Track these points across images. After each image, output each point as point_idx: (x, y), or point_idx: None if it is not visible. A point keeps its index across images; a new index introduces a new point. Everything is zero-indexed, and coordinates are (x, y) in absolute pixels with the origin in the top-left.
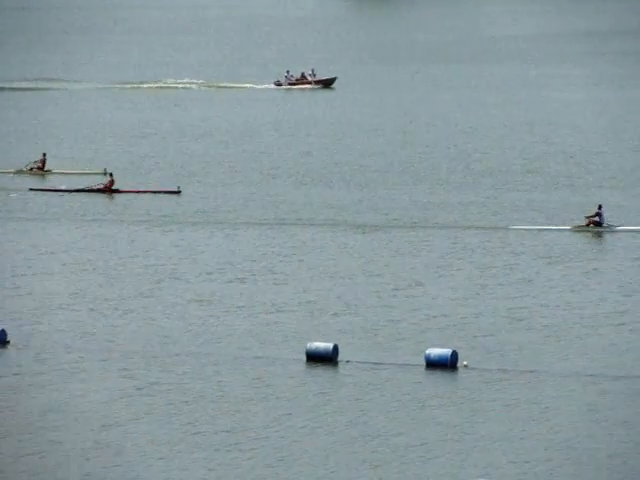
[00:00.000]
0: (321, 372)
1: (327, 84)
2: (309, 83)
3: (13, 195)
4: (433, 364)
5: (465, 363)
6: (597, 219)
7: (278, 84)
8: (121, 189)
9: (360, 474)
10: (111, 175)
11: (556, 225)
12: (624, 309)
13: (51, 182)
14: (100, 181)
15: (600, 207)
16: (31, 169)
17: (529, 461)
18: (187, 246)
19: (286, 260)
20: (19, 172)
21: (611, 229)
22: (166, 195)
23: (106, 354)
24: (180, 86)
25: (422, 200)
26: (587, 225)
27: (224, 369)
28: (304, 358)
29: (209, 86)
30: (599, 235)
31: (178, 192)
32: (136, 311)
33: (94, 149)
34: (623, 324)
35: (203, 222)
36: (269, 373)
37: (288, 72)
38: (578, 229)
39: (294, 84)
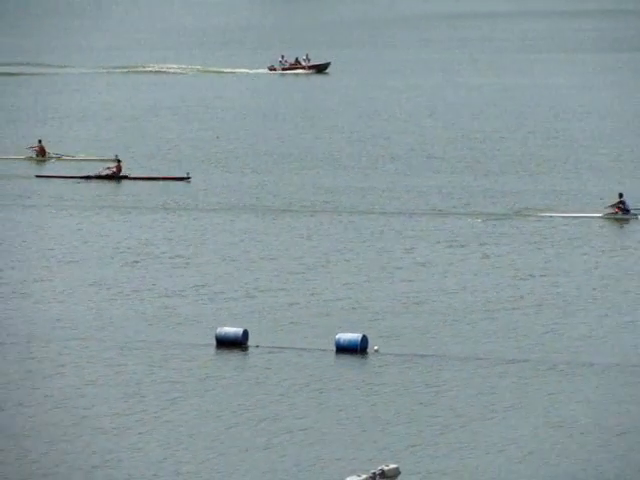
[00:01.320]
0: (231, 357)
1: (321, 69)
2: (303, 68)
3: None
4: (343, 349)
5: (376, 348)
6: (621, 206)
7: (272, 69)
8: (130, 175)
9: (262, 457)
10: (119, 161)
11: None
12: (523, 293)
13: (57, 169)
14: (110, 166)
15: (621, 195)
16: (30, 156)
17: (437, 444)
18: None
19: (187, 244)
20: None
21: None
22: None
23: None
24: (174, 71)
25: (325, 184)
26: (615, 213)
27: (129, 354)
28: (214, 343)
29: (204, 71)
30: (625, 222)
31: (188, 178)
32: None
33: (97, 134)
34: (520, 307)
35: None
36: (178, 358)
37: (282, 57)
38: (607, 216)
39: (288, 69)
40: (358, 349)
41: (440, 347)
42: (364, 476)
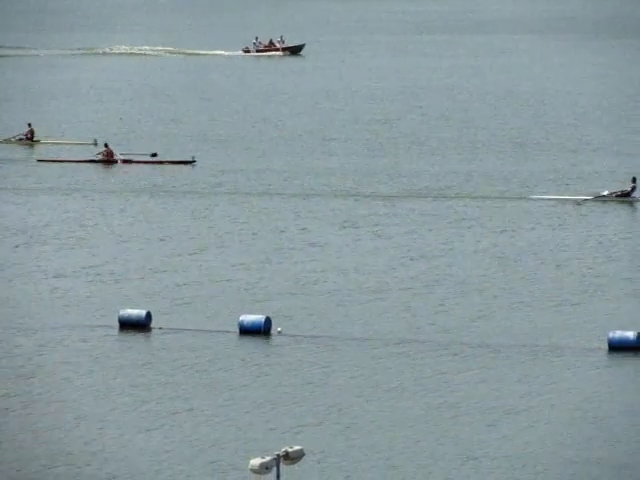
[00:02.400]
0: (134, 339)
1: (295, 51)
2: (277, 50)
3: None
4: (247, 331)
5: (279, 329)
6: (629, 189)
7: (246, 51)
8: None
9: (163, 439)
10: (106, 145)
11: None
12: (416, 273)
13: (58, 153)
14: (92, 151)
15: (634, 180)
16: (20, 139)
17: (339, 424)
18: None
19: (77, 226)
20: (7, 142)
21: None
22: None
23: None
24: (149, 53)
25: (219, 166)
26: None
27: (23, 335)
28: (117, 325)
29: (178, 53)
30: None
31: (193, 162)
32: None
33: (83, 118)
34: (413, 288)
35: None
36: (82, 340)
37: (257, 39)
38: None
39: (262, 51)
40: (262, 331)
41: (340, 328)
42: (268, 458)
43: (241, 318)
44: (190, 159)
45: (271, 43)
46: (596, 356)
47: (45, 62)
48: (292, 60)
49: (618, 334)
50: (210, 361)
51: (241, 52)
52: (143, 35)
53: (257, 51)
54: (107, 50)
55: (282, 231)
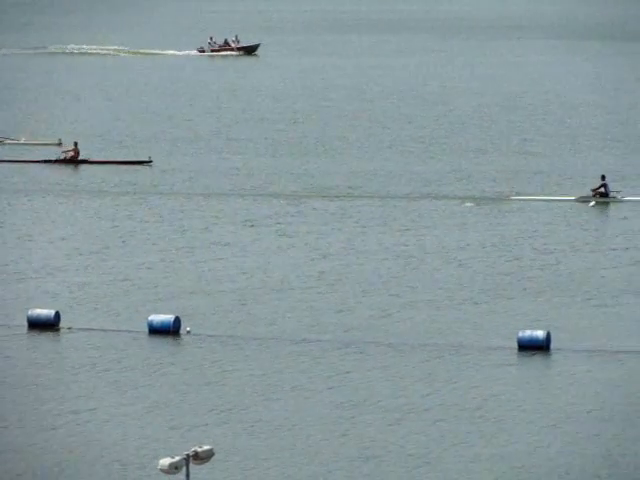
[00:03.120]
0: (43, 339)
1: (250, 51)
2: (232, 50)
3: None
4: (156, 330)
5: (188, 329)
6: (603, 190)
7: (201, 51)
8: (90, 159)
9: (70, 440)
10: (75, 145)
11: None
12: (321, 272)
13: (16, 153)
14: (66, 149)
15: (604, 177)
16: None
17: (248, 423)
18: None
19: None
20: None
21: (616, 199)
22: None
23: None
24: (103, 52)
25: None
26: (593, 196)
27: None
28: (26, 325)
29: (132, 52)
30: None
31: (149, 162)
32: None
33: (45, 117)
34: (318, 286)
35: None
36: None
37: (211, 38)
38: (583, 199)
39: (217, 51)
40: (171, 330)
41: (247, 327)
42: (177, 458)
43: (150, 318)
44: (147, 159)
45: (226, 43)
46: (505, 355)
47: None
48: (247, 60)
49: (528, 333)
50: (119, 361)
51: (196, 52)
52: (97, 34)
53: (212, 51)
54: (59, 50)
55: (188, 230)
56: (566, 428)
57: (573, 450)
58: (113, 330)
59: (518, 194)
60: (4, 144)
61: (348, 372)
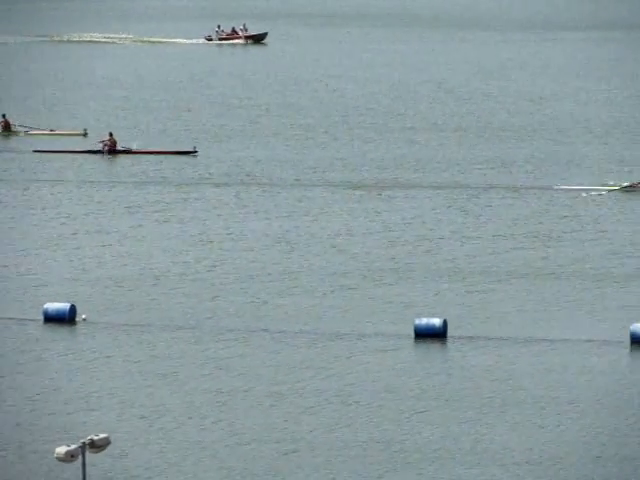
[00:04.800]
0: None
1: (258, 39)
2: (240, 38)
3: None
4: (51, 318)
5: (84, 317)
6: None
7: (209, 39)
8: (138, 149)
9: None
10: (111, 135)
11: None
12: (203, 259)
13: (56, 143)
14: (102, 140)
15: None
16: None
17: (143, 409)
18: None
19: None
20: None
21: None
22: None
23: None
24: (110, 40)
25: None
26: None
27: None
28: None
29: (140, 41)
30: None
31: (195, 152)
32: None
33: (59, 108)
34: (192, 274)
35: None
36: None
37: (219, 27)
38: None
39: (225, 39)
40: (66, 318)
41: (141, 314)
42: (74, 446)
43: (45, 306)
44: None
45: (234, 31)
46: (402, 343)
47: (11, 50)
48: (254, 48)
49: (424, 321)
50: (14, 349)
51: (204, 40)
52: (106, 23)
53: (219, 39)
54: (69, 38)
55: (76, 218)
56: (461, 415)
57: (467, 435)
58: (8, 318)
59: (401, 182)
60: (30, 134)
61: (230, 358)
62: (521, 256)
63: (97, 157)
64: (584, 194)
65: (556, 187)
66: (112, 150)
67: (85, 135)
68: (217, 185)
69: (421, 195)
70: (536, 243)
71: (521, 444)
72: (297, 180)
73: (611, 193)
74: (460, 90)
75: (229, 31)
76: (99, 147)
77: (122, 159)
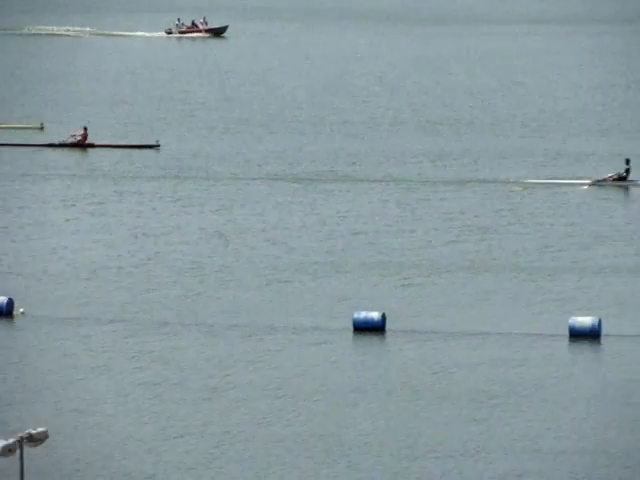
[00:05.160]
0: None
1: (218, 33)
2: (200, 31)
3: None
4: None
5: (22, 310)
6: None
7: (169, 32)
8: (96, 143)
9: None
10: (85, 129)
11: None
12: (139, 252)
13: (21, 137)
14: (74, 134)
15: (628, 162)
16: None
17: (86, 407)
18: None
19: None
20: None
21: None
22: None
23: None
24: (69, 33)
25: None
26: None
27: None
28: None
29: (100, 34)
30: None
31: (157, 146)
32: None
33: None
34: (137, 266)
35: None
36: None
37: (179, 20)
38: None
39: (185, 32)
40: (4, 312)
41: (79, 308)
42: (11, 440)
43: None
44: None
45: (194, 24)
46: (340, 336)
47: None
48: (214, 42)
49: (363, 315)
50: None
51: (163, 33)
52: (66, 16)
53: (180, 32)
54: (29, 31)
55: (12, 211)
56: (398, 408)
57: (403, 428)
58: None
59: (338, 176)
60: None
61: (169, 351)
62: (459, 249)
63: (55, 151)
64: (586, 187)
65: (514, 181)
66: (75, 144)
67: (42, 128)
68: (153, 179)
69: (358, 188)
70: (473, 236)
71: (457, 437)
72: (234, 173)
73: (590, 188)
74: (398, 84)
75: (189, 24)
76: (70, 140)
77: (68, 153)
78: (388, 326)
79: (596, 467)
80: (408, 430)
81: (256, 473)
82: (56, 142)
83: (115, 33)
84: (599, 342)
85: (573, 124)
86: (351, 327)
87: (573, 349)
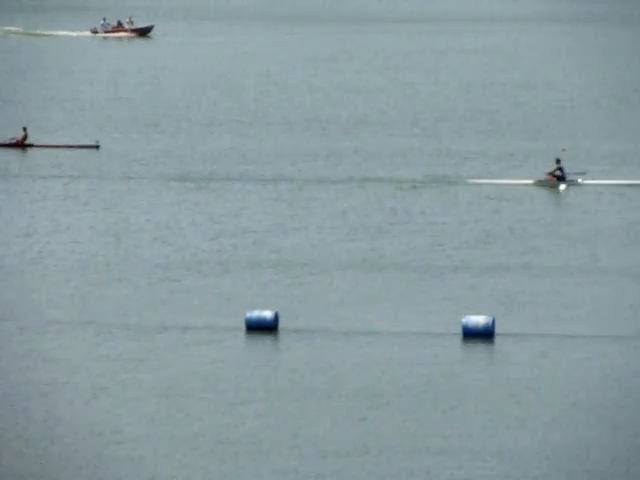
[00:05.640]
0: None
1: (144, 33)
2: (126, 31)
3: None
4: None
5: None
6: (559, 173)
7: (94, 32)
8: (35, 143)
9: None
10: (25, 129)
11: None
12: (25, 251)
13: None
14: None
15: (558, 161)
16: None
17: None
18: None
19: None
20: None
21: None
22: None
23: None
24: None
25: None
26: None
27: None
28: None
29: (25, 34)
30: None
31: (97, 147)
32: None
33: None
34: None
35: None
36: None
37: (105, 20)
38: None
39: (110, 32)
40: None
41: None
42: None
43: None
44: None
45: (119, 24)
46: (232, 336)
47: None
48: (140, 42)
49: (256, 314)
50: None
51: (89, 33)
52: None
53: (105, 32)
54: None
55: None
56: (287, 407)
57: (291, 427)
58: None
59: (228, 175)
60: None
61: (57, 350)
62: (350, 248)
63: None
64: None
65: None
66: (14, 144)
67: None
68: (43, 178)
69: (249, 188)
70: (364, 235)
71: (347, 436)
72: (124, 173)
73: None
74: (288, 83)
75: (115, 24)
76: (7, 141)
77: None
78: (281, 325)
79: (485, 467)
80: (299, 429)
81: (144, 473)
82: None
83: (39, 33)
84: (492, 341)
85: (463, 124)
86: (244, 326)
87: (466, 348)
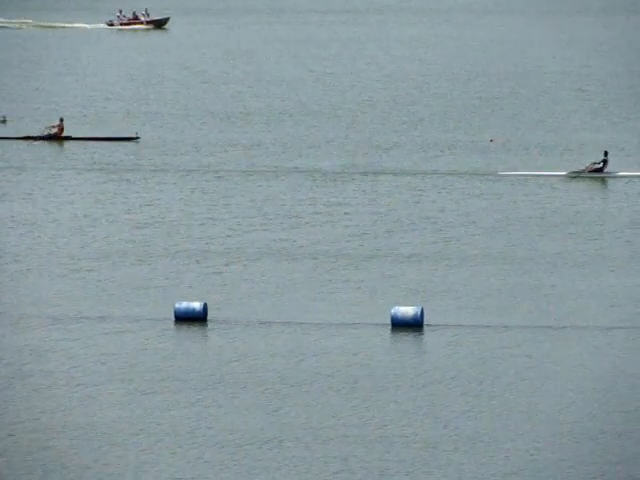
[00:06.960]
0: None
1: (160, 25)
2: (141, 23)
3: None
4: None
5: None
6: (600, 166)
7: (110, 24)
8: (73, 136)
9: None
10: (61, 121)
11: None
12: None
13: None
14: (52, 125)
15: (606, 154)
16: None
17: None
18: None
19: None
20: None
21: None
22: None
23: None
24: (8, 25)
25: None
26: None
27: None
28: None
29: (40, 26)
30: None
31: (137, 138)
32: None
33: None
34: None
35: None
36: None
37: (120, 12)
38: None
39: (126, 24)
40: None
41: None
42: None
43: None
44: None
45: (135, 16)
46: (161, 327)
47: None
48: (156, 34)
49: (184, 305)
50: None
51: (105, 25)
52: (6, 7)
53: (121, 24)
54: None
55: None
56: (215, 398)
57: (210, 418)
58: None
59: (147, 166)
60: None
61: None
62: (275, 238)
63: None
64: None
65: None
66: (52, 137)
67: (4, 122)
68: (77, 171)
69: (168, 178)
70: (288, 225)
71: (265, 425)
72: (43, 162)
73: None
74: (208, 74)
75: (130, 16)
76: (45, 133)
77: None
78: (210, 316)
79: (409, 456)
80: (226, 420)
81: (58, 460)
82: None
83: (56, 25)
84: (421, 332)
85: (384, 115)
86: (172, 317)
87: (395, 339)
